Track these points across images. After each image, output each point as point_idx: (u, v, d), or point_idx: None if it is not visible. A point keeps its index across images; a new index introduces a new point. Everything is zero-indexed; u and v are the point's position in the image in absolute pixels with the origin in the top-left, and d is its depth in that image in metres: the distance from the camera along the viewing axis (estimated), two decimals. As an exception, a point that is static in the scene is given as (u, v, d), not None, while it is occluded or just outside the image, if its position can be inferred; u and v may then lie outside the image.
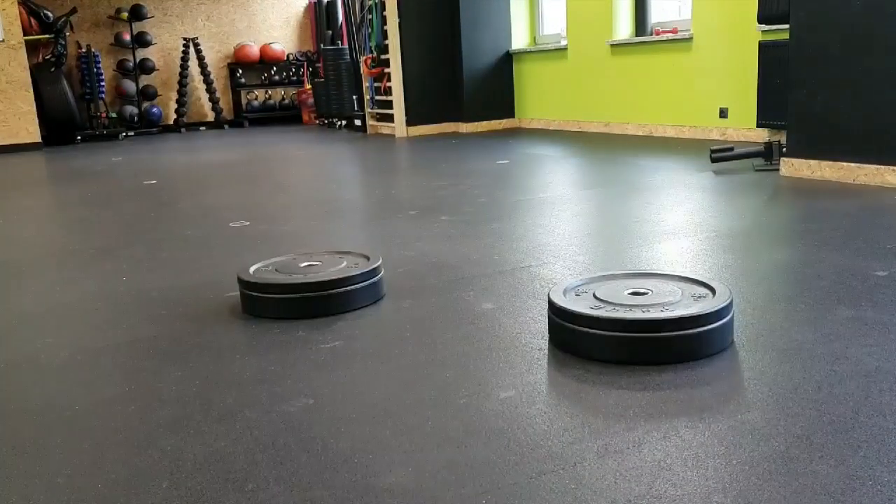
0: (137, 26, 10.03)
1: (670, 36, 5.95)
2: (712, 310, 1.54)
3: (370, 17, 7.74)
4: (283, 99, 11.11)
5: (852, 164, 3.43)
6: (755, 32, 4.97)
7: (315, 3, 10.86)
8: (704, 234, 2.70)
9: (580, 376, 1.49)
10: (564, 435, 1.25)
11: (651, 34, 6.30)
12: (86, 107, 9.53)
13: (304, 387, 1.52)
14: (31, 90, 8.34)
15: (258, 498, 1.11)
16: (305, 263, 2.14)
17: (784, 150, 3.87)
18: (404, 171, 5.18)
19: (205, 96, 10.60)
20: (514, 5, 7.48)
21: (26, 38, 8.41)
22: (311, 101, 10.09)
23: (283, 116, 10.87)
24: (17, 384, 1.66)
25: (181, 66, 10.29)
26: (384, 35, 7.45)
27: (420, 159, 5.89)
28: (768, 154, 4.06)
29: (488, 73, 7.54)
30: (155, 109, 10.27)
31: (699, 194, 3.57)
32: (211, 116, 10.62)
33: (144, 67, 10.20)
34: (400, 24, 7.28)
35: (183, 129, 10.25)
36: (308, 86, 10.36)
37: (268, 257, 2.24)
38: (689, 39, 5.71)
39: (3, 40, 8.20)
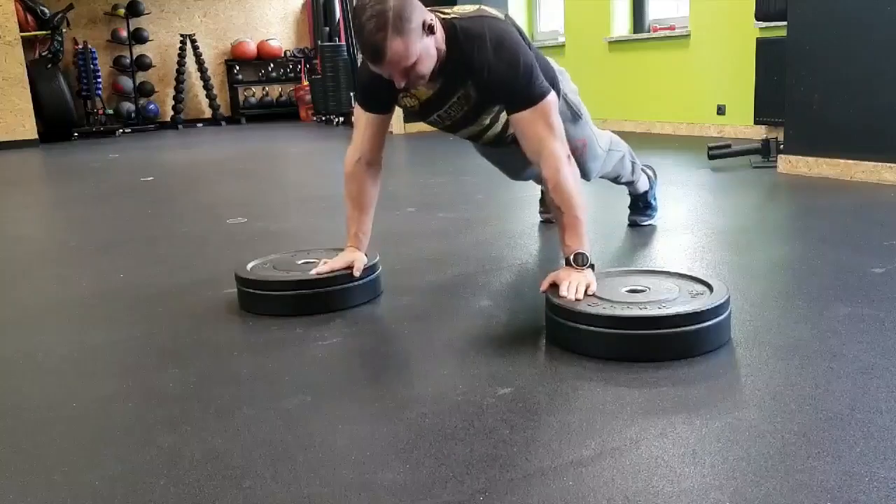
0: (134, 23, 10.00)
1: (668, 33, 5.95)
2: (709, 307, 1.54)
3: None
4: (281, 96, 11.09)
5: (849, 161, 3.43)
6: (753, 29, 4.97)
7: (312, -1, 10.84)
8: (702, 231, 2.71)
9: (577, 373, 1.49)
10: (561, 432, 1.26)
11: (648, 31, 6.30)
12: (82, 103, 9.50)
13: (301, 384, 1.52)
14: (28, 87, 8.31)
15: (255, 495, 1.11)
16: (303, 260, 2.14)
17: (781, 146, 3.87)
18: (401, 169, 5.18)
19: (202, 93, 10.58)
20: (511, 2, 7.46)
21: (22, 34, 8.38)
22: (308, 97, 10.08)
23: (281, 113, 10.85)
24: (14, 381, 1.66)
25: (178, 62, 10.26)
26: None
27: (417, 156, 5.89)
28: (766, 151, 4.06)
29: (486, 69, 7.51)
30: (152, 106, 10.25)
31: (696, 191, 3.57)
32: (208, 113, 10.60)
33: (141, 64, 10.17)
34: (397, 20, 7.24)
35: (180, 126, 10.23)
36: (305, 82, 10.34)
37: (265, 254, 2.24)
38: (687, 36, 5.71)
39: (-1, 36, 8.18)
